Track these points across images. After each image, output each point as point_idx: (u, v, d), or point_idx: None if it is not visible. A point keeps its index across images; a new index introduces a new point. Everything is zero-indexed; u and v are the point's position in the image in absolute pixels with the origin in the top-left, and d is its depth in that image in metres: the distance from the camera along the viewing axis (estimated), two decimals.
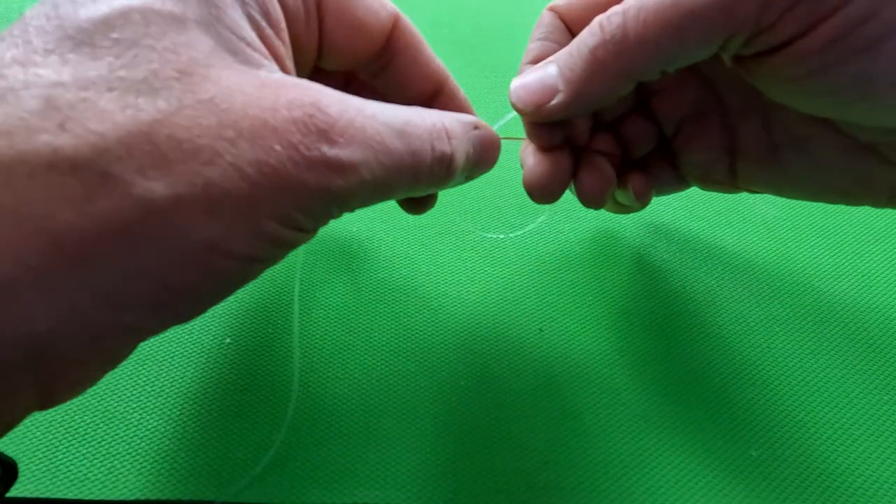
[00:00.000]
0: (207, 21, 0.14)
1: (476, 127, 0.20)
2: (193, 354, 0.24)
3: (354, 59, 0.21)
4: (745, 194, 0.30)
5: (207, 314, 0.22)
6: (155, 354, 0.24)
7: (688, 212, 0.31)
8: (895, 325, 0.26)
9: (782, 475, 0.22)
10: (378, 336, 0.26)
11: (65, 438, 0.22)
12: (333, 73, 0.23)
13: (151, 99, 0.13)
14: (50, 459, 0.21)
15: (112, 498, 0.21)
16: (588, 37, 0.19)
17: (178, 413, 0.23)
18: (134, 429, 0.22)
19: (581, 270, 0.28)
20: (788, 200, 0.32)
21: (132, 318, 0.13)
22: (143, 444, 0.22)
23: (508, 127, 0.25)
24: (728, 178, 0.24)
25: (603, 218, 0.30)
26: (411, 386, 0.24)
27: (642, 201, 0.24)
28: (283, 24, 0.17)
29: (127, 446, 0.22)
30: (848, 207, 0.31)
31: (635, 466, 0.22)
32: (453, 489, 0.21)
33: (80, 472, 0.21)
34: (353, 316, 0.26)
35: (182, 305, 0.14)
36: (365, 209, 0.17)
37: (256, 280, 0.16)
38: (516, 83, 0.21)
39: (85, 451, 0.22)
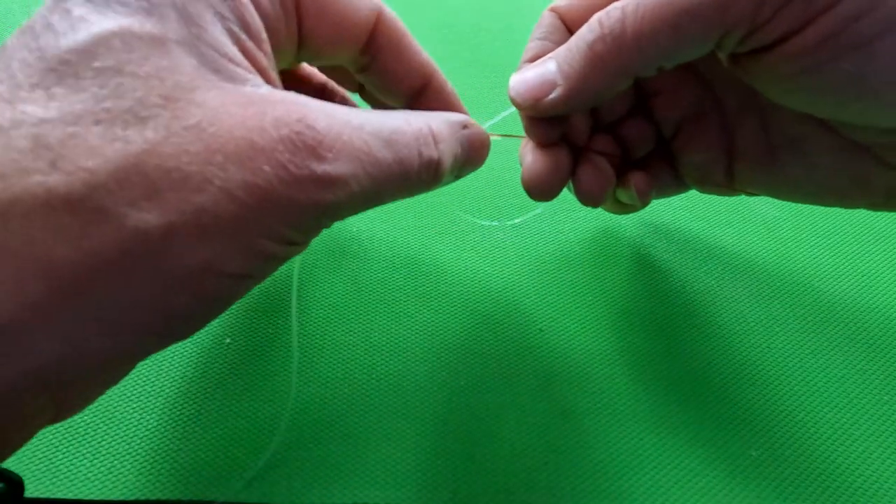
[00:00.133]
0: (188, 41, 0.14)
1: (465, 126, 0.21)
2: (193, 354, 0.24)
3: (336, 56, 0.21)
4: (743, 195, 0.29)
5: None
6: (155, 354, 0.24)
7: (688, 212, 0.31)
8: (895, 325, 0.26)
9: (782, 475, 0.22)
10: (378, 336, 0.26)
11: (65, 438, 0.22)
12: (307, 80, 0.23)
13: (139, 129, 0.13)
14: (50, 459, 0.21)
15: (112, 498, 0.21)
16: (587, 32, 0.19)
17: (177, 413, 0.23)
18: (134, 429, 0.22)
19: (581, 270, 0.28)
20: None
21: (132, 342, 0.14)
22: (143, 444, 0.22)
23: (506, 123, 0.25)
24: (726, 179, 0.24)
25: (603, 218, 0.30)
26: (411, 386, 0.24)
27: (644, 200, 0.24)
28: (263, 35, 0.17)
29: (127, 446, 0.22)
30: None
31: (635, 466, 0.22)
32: (453, 489, 0.21)
33: (80, 472, 0.21)
34: (352, 315, 0.26)
35: (180, 326, 0.15)
36: None
37: None
38: (515, 78, 0.21)
39: (85, 451, 0.22)
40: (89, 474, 0.21)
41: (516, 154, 0.24)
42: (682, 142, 0.24)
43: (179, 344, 0.25)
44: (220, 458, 0.22)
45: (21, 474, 0.19)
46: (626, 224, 0.30)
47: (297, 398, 0.23)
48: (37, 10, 0.14)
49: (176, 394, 0.23)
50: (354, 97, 0.25)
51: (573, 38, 0.20)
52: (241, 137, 0.14)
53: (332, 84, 0.24)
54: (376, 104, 0.24)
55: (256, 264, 0.15)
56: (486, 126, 0.22)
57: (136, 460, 0.21)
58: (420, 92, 0.22)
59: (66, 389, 0.14)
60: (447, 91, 0.22)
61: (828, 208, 0.31)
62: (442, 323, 0.26)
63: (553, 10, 0.23)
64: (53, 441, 0.22)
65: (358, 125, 0.16)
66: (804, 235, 0.30)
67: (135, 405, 0.23)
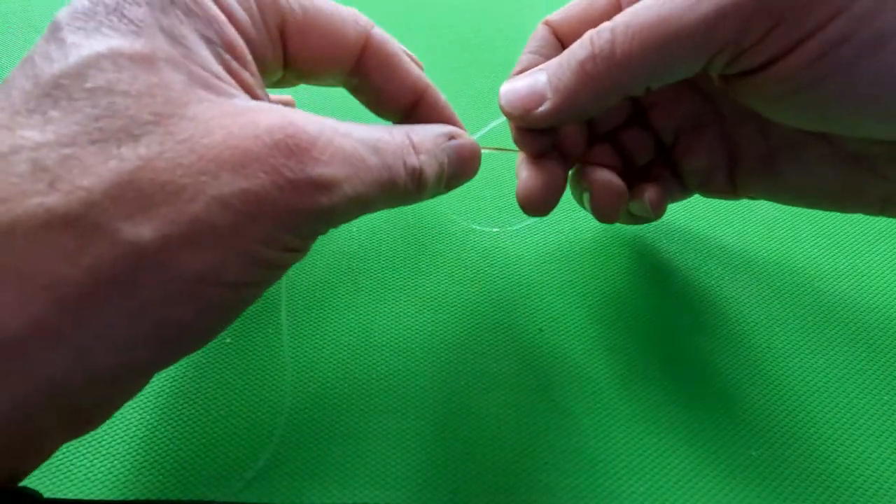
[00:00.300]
0: (176, 59, 0.15)
1: (452, 137, 0.21)
2: (193, 354, 0.24)
3: (324, 77, 0.21)
4: None
5: None
6: None
7: (688, 212, 0.31)
8: (895, 325, 0.26)
9: (782, 475, 0.22)
10: (378, 336, 0.26)
11: None
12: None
13: (132, 146, 0.13)
14: (50, 459, 0.21)
15: (112, 498, 0.21)
16: (578, 49, 0.20)
17: (177, 413, 0.23)
18: (134, 429, 0.22)
19: (581, 270, 0.28)
20: None
21: (139, 355, 0.14)
22: (142, 444, 0.22)
23: (497, 133, 0.25)
24: (727, 185, 0.24)
25: None
26: (411, 386, 0.24)
27: (657, 212, 0.24)
28: (248, 57, 0.17)
29: (127, 446, 0.22)
30: None
31: (635, 466, 0.22)
32: (453, 489, 0.21)
33: (80, 471, 0.21)
34: (352, 316, 0.26)
35: (186, 337, 0.15)
36: None
37: None
38: (506, 87, 0.22)
39: (85, 451, 0.22)
40: (89, 474, 0.21)
41: (498, 158, 0.24)
42: (682, 149, 0.24)
43: None
44: (220, 458, 0.22)
45: None
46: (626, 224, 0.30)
47: (297, 398, 0.23)
48: (35, 42, 0.15)
49: (176, 394, 0.23)
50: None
51: (565, 54, 0.20)
52: (234, 146, 0.14)
53: None
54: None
55: (255, 272, 0.15)
56: (476, 137, 0.22)
57: (136, 460, 0.21)
58: (413, 107, 0.22)
59: (79, 404, 0.14)
60: (440, 105, 0.22)
61: None
62: (442, 323, 0.26)
63: (547, 23, 0.23)
64: None
65: (346, 132, 0.17)
66: (804, 235, 0.30)
67: (135, 405, 0.23)
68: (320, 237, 0.18)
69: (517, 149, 0.23)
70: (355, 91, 0.22)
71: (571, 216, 0.30)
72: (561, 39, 0.23)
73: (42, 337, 0.13)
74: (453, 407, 0.23)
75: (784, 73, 0.17)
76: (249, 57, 0.17)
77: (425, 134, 0.20)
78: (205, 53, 0.16)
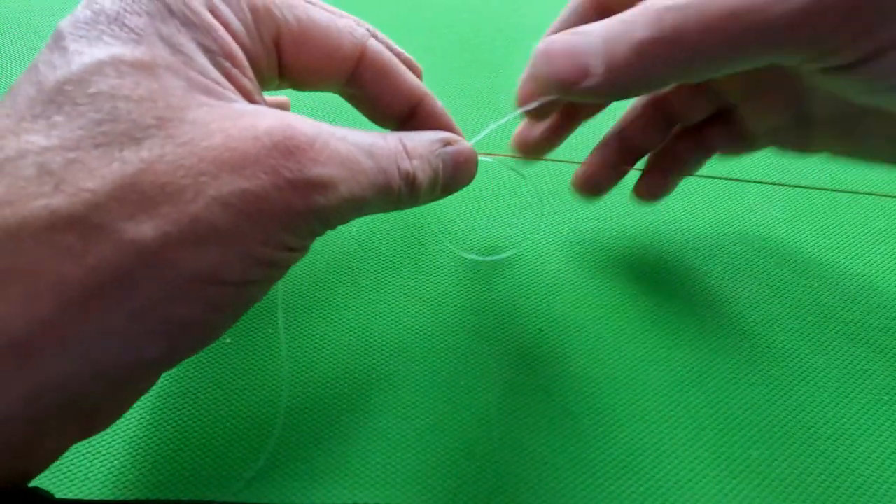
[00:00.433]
0: (176, 66, 0.15)
1: (448, 143, 0.21)
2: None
3: (320, 87, 0.21)
4: (744, 195, 0.29)
5: None
6: None
7: (688, 212, 0.31)
8: (895, 325, 0.26)
9: (782, 475, 0.22)
10: (378, 336, 0.26)
11: None
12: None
13: (135, 150, 0.14)
14: None
15: (112, 498, 0.21)
16: (641, 26, 0.17)
17: (177, 413, 0.23)
18: (134, 429, 0.22)
19: (581, 270, 0.28)
20: (788, 200, 0.32)
21: (145, 353, 0.15)
22: (142, 444, 0.22)
23: (492, 138, 0.25)
24: (800, 142, 0.23)
25: (602, 218, 0.30)
26: (411, 386, 0.24)
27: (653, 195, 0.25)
28: (246, 63, 0.18)
29: (127, 446, 0.22)
30: (847, 207, 0.31)
31: (635, 467, 0.22)
32: (453, 489, 0.21)
33: (80, 471, 0.21)
34: (352, 316, 0.26)
35: (191, 335, 0.16)
36: None
37: None
38: (553, 48, 0.19)
39: (85, 451, 0.22)
40: (89, 474, 0.21)
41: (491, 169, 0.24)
42: (749, 108, 0.24)
43: None
44: (220, 458, 0.22)
45: None
46: (626, 224, 0.30)
47: (297, 398, 0.23)
48: (32, 42, 0.15)
49: (176, 394, 0.23)
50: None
51: (623, 26, 0.18)
52: (234, 148, 0.15)
53: None
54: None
55: (256, 271, 0.16)
56: (472, 142, 0.22)
57: (136, 460, 0.21)
58: (410, 116, 0.22)
59: (87, 402, 0.14)
60: (437, 112, 0.23)
61: (827, 208, 0.31)
62: (441, 323, 0.26)
63: None
64: None
65: (342, 136, 0.17)
66: (804, 235, 0.30)
67: (135, 405, 0.23)
68: (320, 237, 0.18)
69: (515, 154, 0.23)
70: (352, 100, 0.23)
71: (571, 216, 0.30)
72: (607, 6, 0.21)
73: (48, 335, 0.13)
74: (453, 407, 0.23)
75: (876, 71, 0.16)
76: (247, 63, 0.18)
77: (419, 140, 0.20)
78: (203, 61, 0.16)
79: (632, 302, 0.27)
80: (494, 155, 0.24)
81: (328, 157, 0.16)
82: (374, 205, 0.18)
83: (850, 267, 0.29)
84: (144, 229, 0.13)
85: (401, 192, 0.19)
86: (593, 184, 0.26)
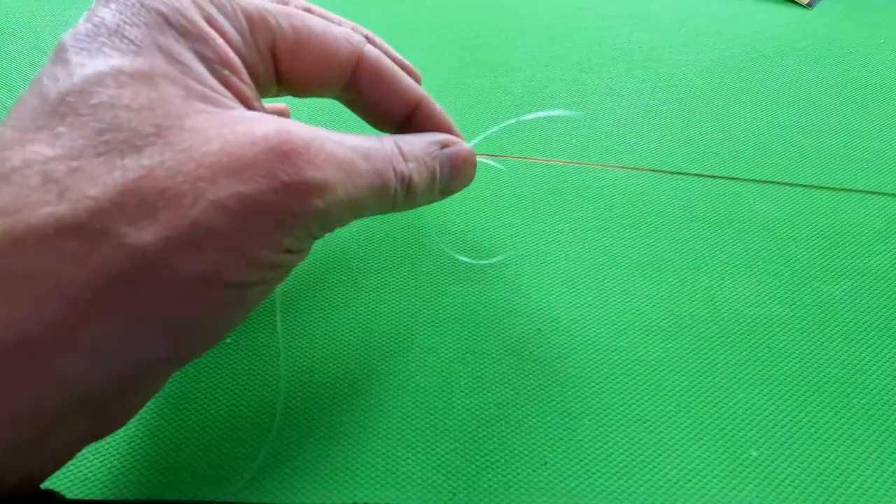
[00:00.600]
0: (174, 76, 0.16)
1: (446, 145, 0.21)
2: None
3: (317, 93, 0.22)
4: (744, 194, 0.29)
5: None
6: None
7: (688, 212, 0.31)
8: (895, 325, 0.26)
9: (782, 475, 0.22)
10: (378, 336, 0.26)
11: None
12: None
13: (135, 157, 0.14)
14: None
15: (112, 498, 0.21)
16: None
17: (177, 413, 0.23)
18: (134, 429, 0.22)
19: (580, 270, 0.28)
20: (788, 200, 0.32)
21: (151, 354, 0.15)
22: (142, 444, 0.22)
23: (491, 140, 0.25)
24: None
25: (602, 217, 0.30)
26: (411, 386, 0.24)
27: None
28: (244, 70, 0.18)
29: (127, 446, 0.22)
30: (847, 207, 0.31)
31: (634, 466, 0.22)
32: (453, 489, 0.21)
33: (80, 471, 0.21)
34: (352, 316, 0.26)
35: (195, 335, 0.16)
36: None
37: None
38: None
39: (85, 451, 0.22)
40: (89, 474, 0.21)
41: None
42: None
43: None
44: (220, 458, 0.22)
45: None
46: (626, 224, 0.30)
47: (297, 398, 0.23)
48: (42, 65, 0.16)
49: (176, 393, 0.23)
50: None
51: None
52: (231, 153, 0.15)
53: None
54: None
55: (255, 273, 0.16)
56: (471, 144, 0.23)
57: (136, 460, 0.22)
58: (408, 119, 0.23)
59: (94, 403, 0.15)
60: (435, 115, 0.23)
61: (828, 207, 0.31)
62: (441, 323, 0.26)
63: None
64: None
65: (338, 140, 0.17)
66: (804, 235, 0.30)
67: None
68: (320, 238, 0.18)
69: (514, 155, 0.23)
70: (351, 105, 0.23)
71: (571, 216, 0.30)
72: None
73: (54, 336, 0.13)
74: (453, 407, 0.23)
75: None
76: (245, 70, 0.18)
77: (415, 142, 0.20)
78: (201, 69, 0.16)
79: (632, 302, 0.27)
80: (494, 156, 0.25)
81: (324, 161, 0.16)
82: (371, 207, 0.19)
83: (850, 267, 0.29)
84: (145, 234, 0.14)
85: (397, 194, 0.19)
86: None
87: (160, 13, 0.16)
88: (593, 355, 0.25)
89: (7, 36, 0.40)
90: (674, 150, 0.35)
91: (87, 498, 0.21)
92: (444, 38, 0.42)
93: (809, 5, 0.48)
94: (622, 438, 0.23)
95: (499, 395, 0.24)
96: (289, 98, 0.23)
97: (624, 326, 0.26)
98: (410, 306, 0.27)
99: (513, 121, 0.23)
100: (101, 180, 0.14)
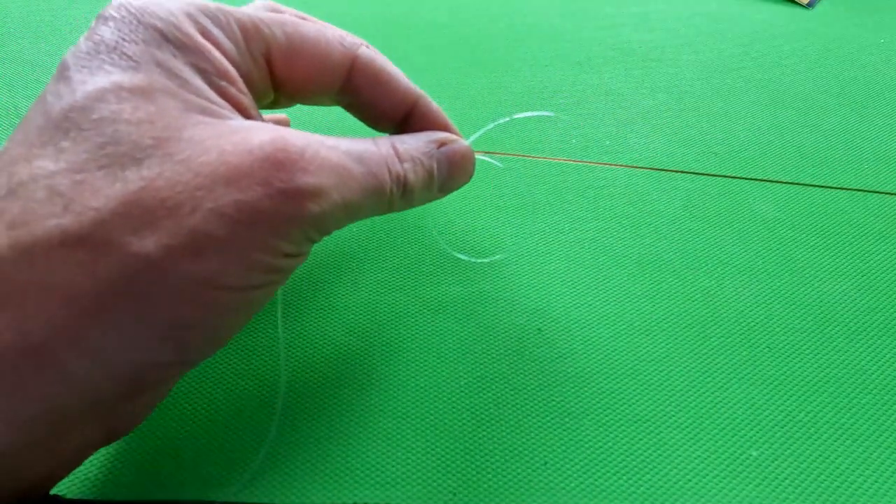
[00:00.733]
0: (172, 89, 0.16)
1: (443, 143, 0.22)
2: None
3: (314, 98, 0.22)
4: (744, 193, 0.29)
5: None
6: None
7: (688, 212, 0.31)
8: (895, 325, 0.26)
9: (782, 475, 0.22)
10: (378, 336, 0.26)
11: None
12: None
13: (136, 169, 0.15)
14: None
15: (112, 498, 0.21)
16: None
17: (177, 413, 0.23)
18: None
19: (580, 270, 0.28)
20: (788, 200, 0.32)
21: (158, 356, 0.16)
22: (142, 444, 0.22)
23: (489, 137, 0.25)
24: None
25: (602, 218, 0.30)
26: (411, 386, 0.24)
27: None
28: (240, 80, 0.19)
29: (127, 446, 0.22)
30: (847, 207, 0.31)
31: (634, 466, 0.22)
32: (453, 489, 0.21)
33: (80, 472, 0.21)
34: (352, 316, 0.26)
35: (200, 338, 0.16)
36: None
37: None
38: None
39: None
40: (89, 474, 0.21)
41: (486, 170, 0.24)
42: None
43: None
44: (219, 458, 0.22)
45: None
46: (626, 224, 0.30)
47: (296, 398, 0.23)
48: (46, 84, 0.16)
49: (176, 393, 0.23)
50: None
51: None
52: (228, 162, 0.15)
53: None
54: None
55: (256, 276, 0.16)
56: (469, 140, 0.23)
57: (136, 460, 0.21)
58: (406, 118, 0.23)
59: (105, 405, 0.16)
60: (433, 113, 0.23)
61: (828, 207, 0.31)
62: (441, 323, 0.26)
63: None
64: None
65: (332, 145, 0.18)
66: (804, 235, 0.30)
67: None
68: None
69: (514, 153, 0.23)
70: (348, 108, 0.23)
71: (571, 215, 0.30)
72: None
73: (64, 340, 0.14)
74: (453, 407, 0.23)
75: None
76: (240, 80, 0.19)
77: (412, 142, 0.21)
78: (198, 82, 0.17)
79: (632, 302, 0.27)
80: (493, 154, 0.25)
81: (318, 166, 0.17)
82: (368, 208, 0.19)
83: (850, 267, 0.29)
84: (147, 242, 0.14)
85: (392, 195, 0.20)
86: None
87: (157, 29, 0.17)
88: (593, 355, 0.25)
89: (7, 36, 0.40)
90: (674, 150, 0.35)
91: (86, 498, 0.21)
92: (444, 37, 0.42)
93: (809, 5, 0.48)
94: (622, 438, 0.23)
95: (499, 394, 0.24)
96: (289, 109, 0.23)
97: (624, 326, 0.26)
98: (410, 306, 0.27)
99: (506, 119, 0.23)
100: (104, 192, 0.14)
